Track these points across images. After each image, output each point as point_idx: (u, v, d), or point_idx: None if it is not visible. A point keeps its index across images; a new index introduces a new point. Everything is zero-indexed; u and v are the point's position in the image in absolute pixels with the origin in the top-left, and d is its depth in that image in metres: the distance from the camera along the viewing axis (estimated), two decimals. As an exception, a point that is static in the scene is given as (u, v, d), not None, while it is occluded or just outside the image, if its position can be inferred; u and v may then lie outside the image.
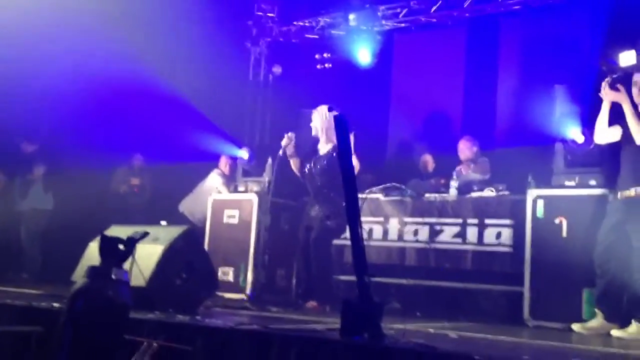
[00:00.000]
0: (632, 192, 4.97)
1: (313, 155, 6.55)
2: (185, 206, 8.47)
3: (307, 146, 6.66)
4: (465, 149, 7.41)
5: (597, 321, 5.03)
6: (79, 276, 3.84)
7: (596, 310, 5.10)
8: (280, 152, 6.52)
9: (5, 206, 8.69)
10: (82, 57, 7.89)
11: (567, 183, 5.85)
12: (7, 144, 8.67)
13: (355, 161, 6.10)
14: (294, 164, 6.58)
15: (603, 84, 5.11)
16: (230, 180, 8.34)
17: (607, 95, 5.11)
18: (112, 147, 8.95)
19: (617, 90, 5.06)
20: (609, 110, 5.14)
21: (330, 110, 6.15)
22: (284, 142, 6.49)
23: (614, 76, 5.10)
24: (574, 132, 6.03)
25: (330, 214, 6.21)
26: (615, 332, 4.93)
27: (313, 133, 6.52)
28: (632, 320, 4.89)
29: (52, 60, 7.86)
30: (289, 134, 6.50)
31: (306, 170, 6.52)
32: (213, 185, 8.31)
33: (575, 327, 5.09)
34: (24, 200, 8.72)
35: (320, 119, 6.41)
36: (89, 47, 7.85)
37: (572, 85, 6.33)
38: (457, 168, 7.43)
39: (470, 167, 7.23)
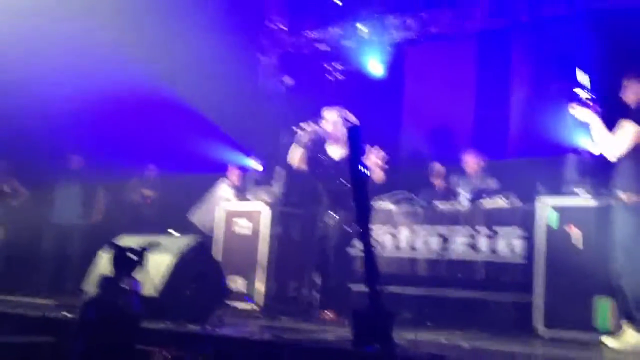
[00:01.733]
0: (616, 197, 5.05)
1: (322, 156, 6.45)
2: (196, 216, 8.49)
3: (315, 146, 6.53)
4: (471, 162, 7.44)
5: (632, 335, 4.85)
6: (90, 285, 3.87)
7: (623, 322, 4.97)
8: (302, 129, 6.31)
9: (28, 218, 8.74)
10: (93, 70, 7.92)
11: (579, 192, 5.83)
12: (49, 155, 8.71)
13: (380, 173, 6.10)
14: (298, 152, 6.35)
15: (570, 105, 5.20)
16: (240, 190, 8.35)
17: (578, 115, 5.20)
18: (124, 159, 8.98)
19: (582, 108, 5.14)
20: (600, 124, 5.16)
21: (342, 122, 6.12)
22: (309, 127, 6.29)
23: (579, 98, 5.17)
24: (586, 142, 6.01)
25: (348, 220, 6.10)
26: (608, 341, 4.89)
27: (324, 130, 6.36)
28: (630, 329, 4.86)
29: (62, 73, 7.90)
30: (319, 128, 6.31)
31: (324, 172, 6.36)
32: (223, 195, 8.32)
33: (608, 341, 4.92)
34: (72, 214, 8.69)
35: (333, 123, 6.31)
36: (100, 59, 7.89)
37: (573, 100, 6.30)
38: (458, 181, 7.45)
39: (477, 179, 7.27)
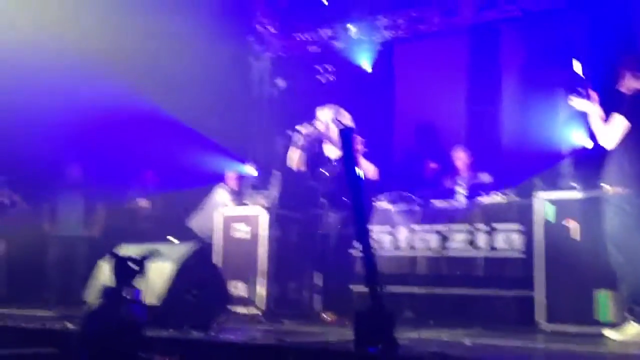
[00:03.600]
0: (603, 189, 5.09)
1: (320, 157, 6.44)
2: (194, 223, 8.49)
3: (312, 146, 6.50)
4: (462, 157, 7.53)
5: (633, 327, 4.85)
6: (91, 296, 3.87)
7: (627, 314, 4.96)
8: (298, 131, 6.29)
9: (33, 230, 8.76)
10: (86, 84, 7.89)
11: (575, 185, 5.85)
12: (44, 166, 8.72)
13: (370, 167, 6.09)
14: (298, 156, 6.34)
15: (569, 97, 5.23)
16: (237, 195, 8.35)
17: (577, 106, 5.23)
18: (121, 172, 8.98)
19: (580, 99, 5.17)
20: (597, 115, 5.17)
21: (335, 123, 6.08)
22: (305, 129, 6.26)
23: (577, 88, 5.21)
24: (579, 136, 6.04)
25: (348, 220, 6.06)
26: (609, 333, 4.90)
27: (319, 131, 6.31)
28: (630, 321, 4.87)
29: (52, 92, 7.88)
30: (315, 129, 6.26)
31: (322, 173, 6.32)
32: (220, 200, 8.32)
33: (609, 333, 4.94)
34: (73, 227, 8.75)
35: (326, 122, 6.24)
36: (92, 73, 7.86)
37: (569, 92, 6.34)
38: (448, 177, 7.48)
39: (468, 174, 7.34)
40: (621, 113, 4.97)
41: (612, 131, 4.99)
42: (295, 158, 6.35)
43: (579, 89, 5.18)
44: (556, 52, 7.70)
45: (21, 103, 7.72)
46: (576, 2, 7.45)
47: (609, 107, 5.13)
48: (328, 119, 6.20)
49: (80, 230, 8.75)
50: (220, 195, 8.45)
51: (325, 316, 6.21)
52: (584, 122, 5.88)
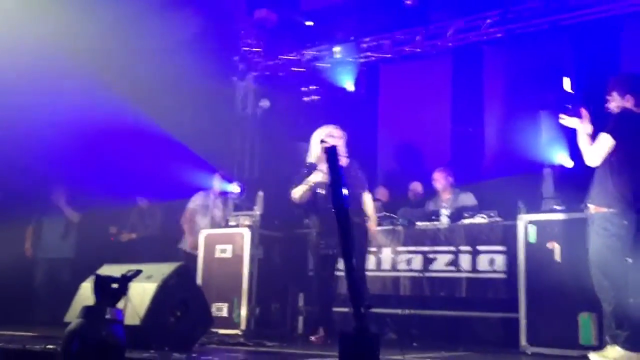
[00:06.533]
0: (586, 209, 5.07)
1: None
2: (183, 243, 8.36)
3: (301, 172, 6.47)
4: (440, 178, 7.51)
5: (615, 350, 4.81)
6: (73, 317, 3.82)
7: (608, 338, 4.91)
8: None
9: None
10: (70, 103, 7.85)
11: (557, 207, 5.87)
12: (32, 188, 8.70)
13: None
14: (306, 190, 6.14)
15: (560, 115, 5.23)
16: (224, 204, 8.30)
17: (567, 123, 5.23)
18: (107, 192, 8.93)
19: (568, 117, 5.17)
20: (585, 133, 5.19)
21: (321, 142, 6.07)
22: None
23: (566, 105, 5.22)
24: (561, 157, 6.08)
25: (332, 240, 5.87)
26: (593, 356, 4.88)
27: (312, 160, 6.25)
28: (611, 344, 4.84)
29: (41, 107, 7.84)
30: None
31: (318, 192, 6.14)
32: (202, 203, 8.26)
33: (593, 356, 4.89)
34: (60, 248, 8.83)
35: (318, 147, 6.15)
36: (76, 91, 7.83)
37: (557, 110, 6.39)
38: (431, 200, 7.49)
39: (450, 196, 7.34)
40: (607, 131, 4.97)
41: (598, 150, 4.99)
42: (304, 193, 6.18)
43: (568, 106, 5.18)
44: (539, 73, 7.79)
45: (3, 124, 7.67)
46: (558, 24, 7.55)
47: (598, 126, 5.15)
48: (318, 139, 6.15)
49: (66, 252, 8.75)
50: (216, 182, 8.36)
51: (309, 337, 6.16)
52: (568, 142, 5.92)
